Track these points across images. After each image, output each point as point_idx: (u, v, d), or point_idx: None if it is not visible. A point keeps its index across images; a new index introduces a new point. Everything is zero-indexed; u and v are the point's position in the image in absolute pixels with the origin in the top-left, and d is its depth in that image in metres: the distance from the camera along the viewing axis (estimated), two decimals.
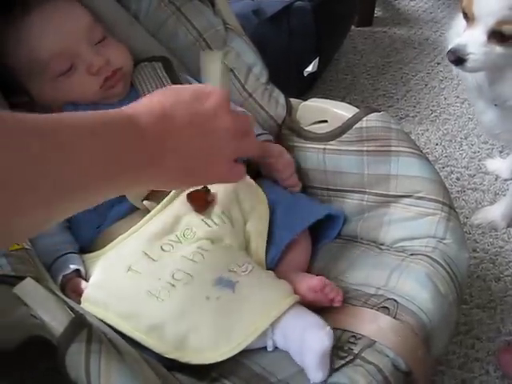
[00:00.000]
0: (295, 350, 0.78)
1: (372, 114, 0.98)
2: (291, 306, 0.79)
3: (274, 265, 0.91)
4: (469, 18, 1.09)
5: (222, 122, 0.72)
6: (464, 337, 1.23)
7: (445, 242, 0.91)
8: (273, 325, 0.78)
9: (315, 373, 0.75)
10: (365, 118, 0.97)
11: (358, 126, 0.98)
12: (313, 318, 0.79)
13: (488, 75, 1.17)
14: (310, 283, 0.84)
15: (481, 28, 1.06)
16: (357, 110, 1.00)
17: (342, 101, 1.06)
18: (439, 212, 0.93)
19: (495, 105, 1.24)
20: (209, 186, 0.91)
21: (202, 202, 0.90)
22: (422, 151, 0.97)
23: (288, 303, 0.79)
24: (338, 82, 2.04)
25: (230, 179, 0.80)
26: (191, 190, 0.90)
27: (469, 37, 1.09)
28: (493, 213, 1.51)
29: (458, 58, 1.09)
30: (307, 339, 0.75)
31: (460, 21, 1.16)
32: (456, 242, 0.91)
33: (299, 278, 0.87)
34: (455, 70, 1.21)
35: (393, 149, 0.96)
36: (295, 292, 0.83)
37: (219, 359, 0.75)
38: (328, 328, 0.76)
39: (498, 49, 1.07)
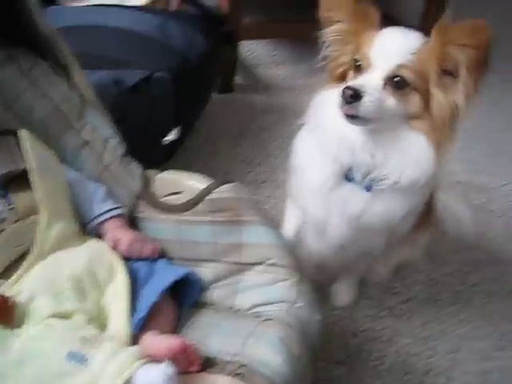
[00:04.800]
0: None
1: (224, 186, 1.02)
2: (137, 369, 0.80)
3: (138, 330, 0.91)
4: (362, 65, 1.09)
5: None
6: None
7: (297, 305, 0.95)
8: None
9: None
10: (217, 190, 1.01)
11: (209, 197, 1.01)
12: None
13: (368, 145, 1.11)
14: (170, 344, 0.85)
15: (378, 73, 1.06)
16: (210, 181, 1.04)
17: (203, 167, 1.09)
18: (290, 277, 0.97)
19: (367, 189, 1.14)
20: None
21: (2, 312, 0.83)
22: (271, 219, 1.03)
23: (130, 372, 0.79)
24: (200, 150, 2.06)
25: None
26: None
27: (366, 80, 1.06)
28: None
29: (356, 93, 1.03)
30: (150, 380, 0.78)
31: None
32: (307, 305, 0.96)
33: (160, 340, 0.87)
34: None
35: (243, 218, 0.99)
36: (155, 353, 0.83)
37: None
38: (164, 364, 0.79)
39: (391, 100, 1.05)
